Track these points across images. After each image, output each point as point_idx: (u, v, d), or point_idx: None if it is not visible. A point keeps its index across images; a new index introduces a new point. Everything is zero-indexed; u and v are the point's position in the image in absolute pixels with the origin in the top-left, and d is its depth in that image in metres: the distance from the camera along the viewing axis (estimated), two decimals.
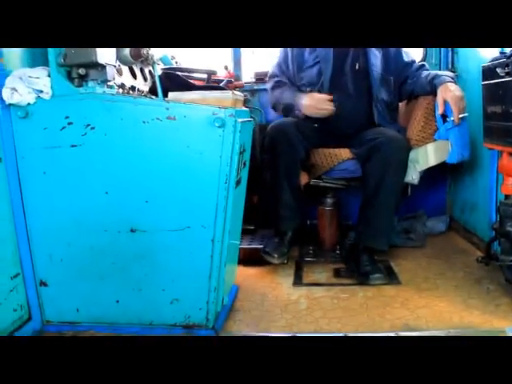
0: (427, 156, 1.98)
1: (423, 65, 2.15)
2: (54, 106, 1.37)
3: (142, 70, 1.92)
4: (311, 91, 2.06)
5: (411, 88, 2.11)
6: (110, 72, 1.40)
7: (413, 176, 1.98)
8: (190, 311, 1.47)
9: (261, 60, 2.75)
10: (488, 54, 1.69)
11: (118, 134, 1.36)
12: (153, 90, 1.86)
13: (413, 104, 2.14)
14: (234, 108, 1.36)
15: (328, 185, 2.13)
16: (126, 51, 1.51)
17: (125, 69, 1.74)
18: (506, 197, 1.63)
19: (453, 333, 1.44)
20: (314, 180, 2.11)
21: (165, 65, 2.25)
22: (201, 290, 1.45)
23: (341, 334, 1.47)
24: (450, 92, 1.87)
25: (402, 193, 1.99)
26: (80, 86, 1.38)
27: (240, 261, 1.88)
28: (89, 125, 1.36)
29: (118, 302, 1.48)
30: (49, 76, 1.36)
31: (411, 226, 2.40)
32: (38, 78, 1.34)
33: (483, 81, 1.65)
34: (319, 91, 2.06)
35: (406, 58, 2.13)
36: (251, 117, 1.66)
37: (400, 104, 2.25)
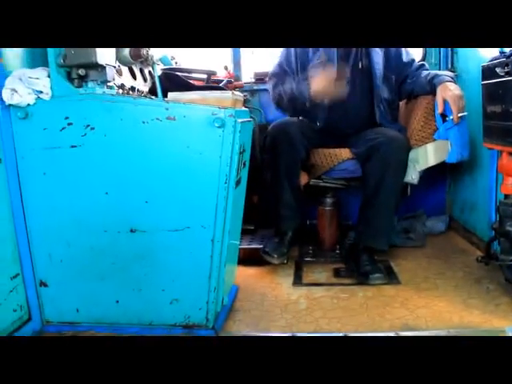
0: (427, 156, 1.98)
1: (423, 64, 2.15)
2: (53, 106, 1.37)
3: (141, 71, 1.92)
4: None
5: (411, 87, 2.11)
6: (110, 73, 1.40)
7: (412, 176, 1.98)
8: (190, 311, 1.48)
9: (261, 60, 2.76)
10: (487, 54, 1.70)
11: (118, 135, 1.36)
12: (152, 91, 1.86)
13: (412, 104, 2.15)
14: (234, 108, 1.36)
15: (328, 185, 2.13)
16: (126, 52, 1.51)
17: (124, 69, 1.74)
18: (506, 196, 1.63)
19: (452, 332, 1.44)
20: (314, 180, 2.11)
21: (164, 65, 2.26)
22: (201, 290, 1.45)
23: (340, 334, 1.47)
24: (449, 91, 1.87)
25: (401, 192, 1.99)
26: (80, 86, 1.38)
27: (240, 261, 1.88)
28: (89, 125, 1.36)
29: (117, 302, 1.49)
30: (48, 77, 1.36)
31: (411, 225, 2.41)
32: (37, 78, 1.34)
33: (483, 80, 1.65)
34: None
35: (405, 58, 2.13)
36: (251, 117, 1.66)
37: (400, 104, 2.25)
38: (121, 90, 1.60)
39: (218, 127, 1.32)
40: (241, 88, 2.57)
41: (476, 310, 1.58)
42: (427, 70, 2.11)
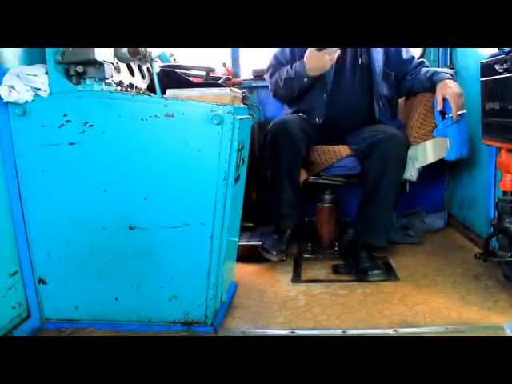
0: (426, 153, 1.98)
1: (423, 61, 2.15)
2: (51, 103, 1.36)
3: (140, 68, 1.92)
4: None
5: (410, 84, 2.11)
6: (108, 69, 1.40)
7: (411, 173, 1.98)
8: (189, 308, 1.48)
9: (259, 57, 2.75)
10: (486, 51, 1.69)
11: (117, 132, 1.36)
12: (151, 88, 1.86)
13: (412, 101, 2.14)
14: (233, 105, 1.36)
15: (327, 182, 2.13)
16: (124, 49, 1.51)
17: (123, 66, 1.74)
18: (504, 193, 1.63)
19: (451, 329, 1.44)
20: (313, 177, 2.11)
21: (163, 62, 2.27)
22: (199, 287, 1.45)
23: (339, 331, 1.47)
24: (448, 89, 1.87)
25: (400, 189, 1.99)
26: (78, 83, 1.38)
27: (239, 258, 1.89)
28: (87, 122, 1.36)
29: (116, 299, 1.49)
30: (46, 74, 1.36)
31: (410, 222, 2.41)
32: (35, 75, 1.34)
33: (481, 77, 1.65)
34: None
35: (405, 55, 2.13)
36: (249, 114, 1.66)
37: (399, 101, 2.26)
38: (119, 87, 1.60)
39: (217, 124, 1.31)
40: (239, 85, 2.57)
41: (474, 307, 1.58)
42: (427, 67, 2.11)
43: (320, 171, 2.09)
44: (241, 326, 1.55)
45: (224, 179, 1.36)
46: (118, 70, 1.67)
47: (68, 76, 1.37)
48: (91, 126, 1.36)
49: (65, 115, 1.36)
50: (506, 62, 1.47)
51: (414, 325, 1.49)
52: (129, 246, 1.43)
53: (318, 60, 1.96)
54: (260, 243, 2.11)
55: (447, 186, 2.67)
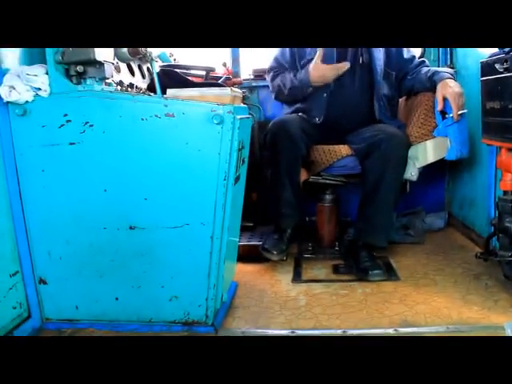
0: (426, 153, 1.98)
1: (423, 61, 2.15)
2: (52, 103, 1.36)
3: (140, 68, 1.92)
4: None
5: (411, 84, 2.11)
6: (108, 69, 1.40)
7: (411, 172, 1.98)
8: (190, 308, 1.48)
9: (259, 57, 2.75)
10: (486, 50, 1.69)
11: (117, 132, 1.36)
12: (151, 87, 1.86)
13: (412, 100, 2.14)
14: (233, 105, 1.36)
15: (327, 181, 2.13)
16: (124, 49, 1.51)
17: (123, 66, 1.74)
18: (505, 193, 1.63)
19: (451, 329, 1.44)
20: (313, 177, 2.11)
21: (163, 62, 2.27)
22: (200, 287, 1.45)
23: (340, 331, 1.47)
24: (449, 88, 1.87)
25: (400, 189, 1.99)
26: (78, 83, 1.38)
27: (239, 258, 1.89)
28: (87, 122, 1.36)
29: (117, 299, 1.49)
30: (47, 74, 1.36)
31: (410, 222, 2.41)
32: (35, 75, 1.34)
33: (482, 77, 1.64)
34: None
35: (406, 54, 2.13)
36: (250, 114, 1.66)
37: (400, 100, 2.25)
38: (119, 87, 1.60)
39: (217, 124, 1.31)
40: (239, 85, 2.57)
41: (475, 306, 1.58)
42: (427, 66, 2.11)
43: (320, 171, 2.09)
44: (241, 325, 1.55)
45: (224, 179, 1.36)
46: (118, 69, 1.67)
47: (68, 76, 1.37)
48: (91, 125, 1.36)
49: (65, 115, 1.36)
50: (506, 61, 1.47)
51: (415, 324, 1.49)
52: (129, 246, 1.43)
53: (322, 75, 1.99)
54: (260, 243, 2.11)
55: (447, 186, 2.67)
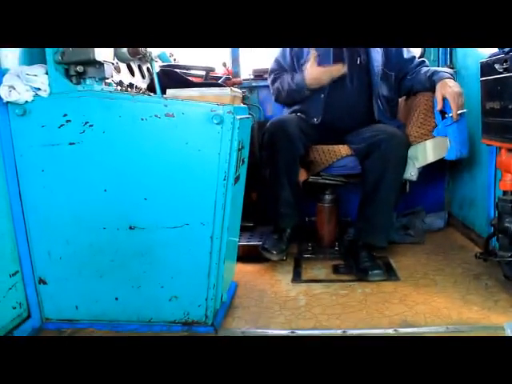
0: (426, 152, 1.98)
1: (423, 61, 2.15)
2: (51, 103, 1.36)
3: (140, 68, 1.92)
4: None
5: (410, 84, 2.11)
6: (108, 69, 1.40)
7: (411, 172, 1.98)
8: (189, 308, 1.48)
9: (259, 57, 2.75)
10: (486, 50, 1.69)
11: (117, 132, 1.36)
12: (151, 88, 1.86)
13: (412, 100, 2.14)
14: (233, 105, 1.36)
15: (327, 181, 2.13)
16: (124, 49, 1.51)
17: (123, 66, 1.74)
18: (505, 193, 1.63)
19: (451, 329, 1.44)
20: (313, 177, 2.11)
21: (163, 62, 2.26)
22: (200, 287, 1.45)
23: (339, 331, 1.47)
24: (448, 88, 1.87)
25: (400, 189, 1.99)
26: (78, 83, 1.38)
27: (239, 258, 1.89)
28: (87, 122, 1.36)
29: (117, 299, 1.49)
30: (46, 74, 1.36)
31: (410, 222, 2.41)
32: (35, 75, 1.34)
33: (481, 77, 1.64)
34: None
35: (406, 54, 2.13)
36: (249, 114, 1.66)
37: (399, 100, 2.25)
38: (119, 87, 1.60)
39: (217, 124, 1.31)
40: (239, 85, 2.57)
41: (475, 307, 1.58)
42: (427, 66, 2.11)
43: (320, 171, 2.09)
44: (241, 326, 1.55)
45: (224, 179, 1.36)
46: (118, 69, 1.67)
47: (68, 76, 1.37)
48: (91, 125, 1.36)
49: (65, 115, 1.36)
50: (506, 61, 1.47)
51: (415, 325, 1.49)
52: (129, 246, 1.43)
53: (317, 78, 2.00)
54: (260, 243, 2.10)
55: (447, 186, 2.67)
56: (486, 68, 1.60)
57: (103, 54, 1.35)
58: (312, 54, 1.98)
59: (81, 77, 1.37)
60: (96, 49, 1.31)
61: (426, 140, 1.97)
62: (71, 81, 1.37)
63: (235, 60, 2.74)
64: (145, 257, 1.44)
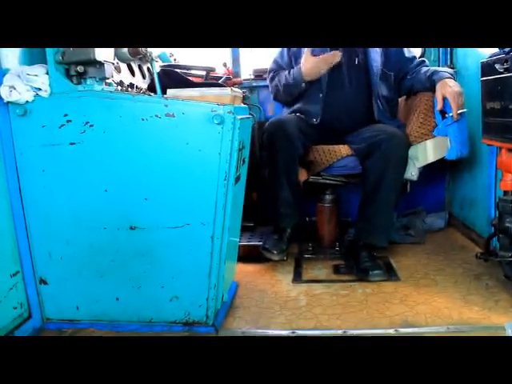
0: (426, 152, 1.98)
1: (423, 61, 2.15)
2: (52, 103, 1.37)
3: (140, 68, 1.92)
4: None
5: (410, 83, 2.11)
6: (109, 69, 1.40)
7: (412, 172, 1.98)
8: (190, 308, 1.48)
9: (259, 57, 2.75)
10: (487, 50, 1.69)
11: (117, 132, 1.36)
12: (151, 88, 1.86)
13: (412, 100, 2.14)
14: (233, 105, 1.36)
15: (327, 181, 2.13)
16: (125, 49, 1.51)
17: (123, 66, 1.74)
18: (505, 193, 1.63)
19: (452, 329, 1.44)
20: (313, 177, 2.11)
21: (163, 62, 2.26)
22: (200, 287, 1.45)
23: (340, 331, 1.47)
24: (448, 88, 1.87)
25: (401, 189, 1.99)
26: (78, 83, 1.38)
27: (239, 258, 1.89)
28: (87, 122, 1.36)
29: (117, 299, 1.49)
30: (47, 74, 1.36)
31: (410, 222, 2.41)
32: (36, 75, 1.34)
33: (482, 77, 1.64)
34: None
35: (407, 54, 2.13)
36: (250, 114, 1.65)
37: (399, 100, 2.25)
38: (119, 87, 1.60)
39: (217, 124, 1.31)
40: (240, 85, 2.57)
41: (475, 307, 1.58)
42: (427, 66, 2.11)
43: (320, 171, 2.09)
44: (242, 326, 1.55)
45: (225, 179, 1.36)
46: (118, 69, 1.67)
47: (68, 76, 1.37)
48: (92, 125, 1.36)
49: (65, 115, 1.36)
50: (506, 61, 1.47)
51: (415, 325, 1.49)
52: (129, 246, 1.43)
53: (313, 66, 2.00)
54: (261, 243, 2.11)
55: (448, 186, 2.67)
56: (487, 68, 1.60)
57: (104, 54, 1.35)
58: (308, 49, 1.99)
59: (81, 77, 1.37)
60: (96, 49, 1.31)
61: (426, 140, 1.97)
62: (72, 81, 1.37)
63: (235, 60, 2.74)
64: (145, 257, 1.44)
